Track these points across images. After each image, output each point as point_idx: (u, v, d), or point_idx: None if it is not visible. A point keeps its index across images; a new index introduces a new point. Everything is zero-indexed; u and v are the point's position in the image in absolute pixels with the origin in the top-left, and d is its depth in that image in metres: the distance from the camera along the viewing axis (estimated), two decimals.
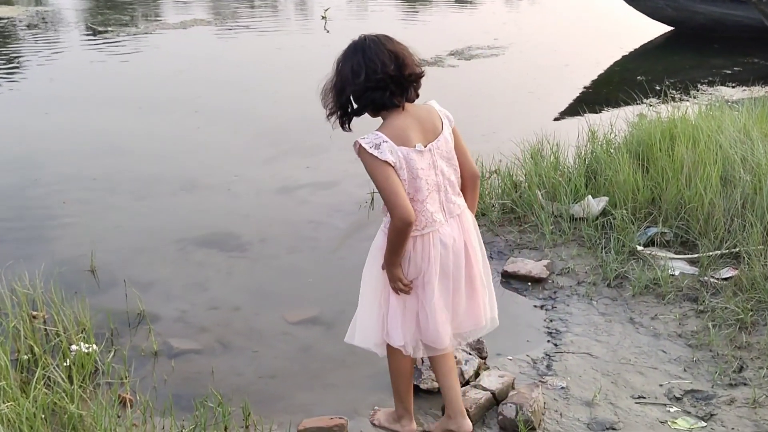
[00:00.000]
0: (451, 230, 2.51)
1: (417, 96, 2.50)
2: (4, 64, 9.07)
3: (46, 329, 3.29)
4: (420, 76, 2.46)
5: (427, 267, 2.49)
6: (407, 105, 2.47)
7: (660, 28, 12.34)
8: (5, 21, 11.65)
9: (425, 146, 2.43)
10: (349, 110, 2.46)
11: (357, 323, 2.65)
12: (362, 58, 2.37)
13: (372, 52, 2.37)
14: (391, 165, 2.35)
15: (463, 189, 2.59)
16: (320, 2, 13.92)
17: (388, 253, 2.45)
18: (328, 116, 2.47)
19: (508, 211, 4.76)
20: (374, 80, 2.36)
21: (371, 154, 2.33)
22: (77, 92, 7.88)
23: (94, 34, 10.82)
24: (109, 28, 11.08)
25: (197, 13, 12.79)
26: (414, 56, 2.45)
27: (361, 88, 2.37)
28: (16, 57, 9.55)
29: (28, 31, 11.15)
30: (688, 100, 7.78)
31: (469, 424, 2.73)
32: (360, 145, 2.35)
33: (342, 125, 2.48)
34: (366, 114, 2.49)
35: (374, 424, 2.88)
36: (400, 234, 2.38)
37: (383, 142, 2.35)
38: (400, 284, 2.49)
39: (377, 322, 2.60)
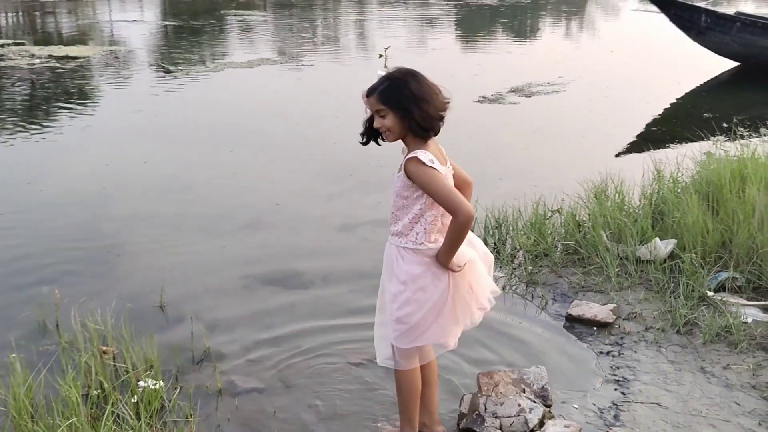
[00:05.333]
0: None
1: None
2: (79, 101, 9.47)
3: (115, 365, 3.37)
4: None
5: (449, 277, 2.70)
6: None
7: (725, 64, 12.10)
8: (81, 60, 12.18)
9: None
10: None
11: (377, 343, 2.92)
12: (428, 92, 2.59)
13: (432, 88, 2.62)
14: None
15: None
16: (381, 41, 14.17)
17: (449, 249, 2.62)
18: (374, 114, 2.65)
19: (571, 252, 4.70)
20: (440, 112, 2.63)
21: (430, 166, 2.58)
22: (147, 129, 8.16)
23: (165, 72, 11.21)
24: (179, 67, 11.47)
25: (263, 52, 13.14)
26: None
27: (433, 114, 2.61)
28: (90, 94, 9.97)
29: (102, 69, 11.63)
30: (757, 138, 7.58)
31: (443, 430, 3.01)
32: (419, 159, 2.58)
33: (370, 141, 2.72)
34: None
35: None
36: (464, 228, 2.59)
37: (434, 158, 2.62)
38: (457, 268, 2.68)
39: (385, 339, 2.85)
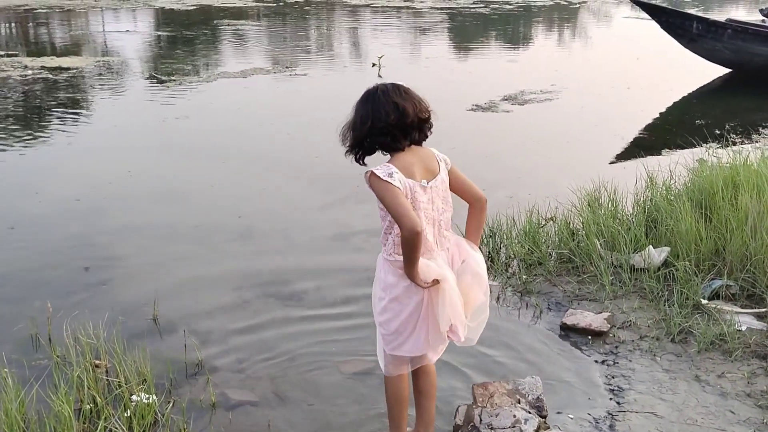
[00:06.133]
0: (441, 261, 2.77)
1: (426, 137, 2.78)
2: (73, 111, 9.45)
3: (108, 379, 3.35)
4: (424, 120, 2.73)
5: (424, 291, 2.70)
6: (413, 146, 2.75)
7: (717, 71, 12.16)
8: (74, 71, 12.17)
9: (428, 183, 2.70)
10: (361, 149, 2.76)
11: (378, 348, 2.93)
12: (370, 108, 2.68)
13: (379, 102, 2.67)
14: (400, 190, 2.61)
15: (472, 212, 2.90)
16: (374, 49, 14.18)
17: (405, 261, 2.64)
18: (346, 153, 2.76)
19: (565, 261, 4.70)
20: (378, 128, 2.66)
21: (385, 180, 2.60)
22: (140, 140, 8.14)
23: (158, 83, 11.20)
24: (172, 77, 11.46)
25: (257, 62, 13.14)
26: (421, 103, 2.72)
27: (366, 134, 2.69)
28: (83, 105, 9.95)
29: (95, 80, 11.62)
30: (749, 145, 7.61)
31: None
32: (374, 173, 2.62)
33: (357, 160, 2.76)
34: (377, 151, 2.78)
35: None
36: (410, 243, 2.57)
37: (395, 172, 2.63)
38: (424, 284, 2.68)
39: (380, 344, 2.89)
